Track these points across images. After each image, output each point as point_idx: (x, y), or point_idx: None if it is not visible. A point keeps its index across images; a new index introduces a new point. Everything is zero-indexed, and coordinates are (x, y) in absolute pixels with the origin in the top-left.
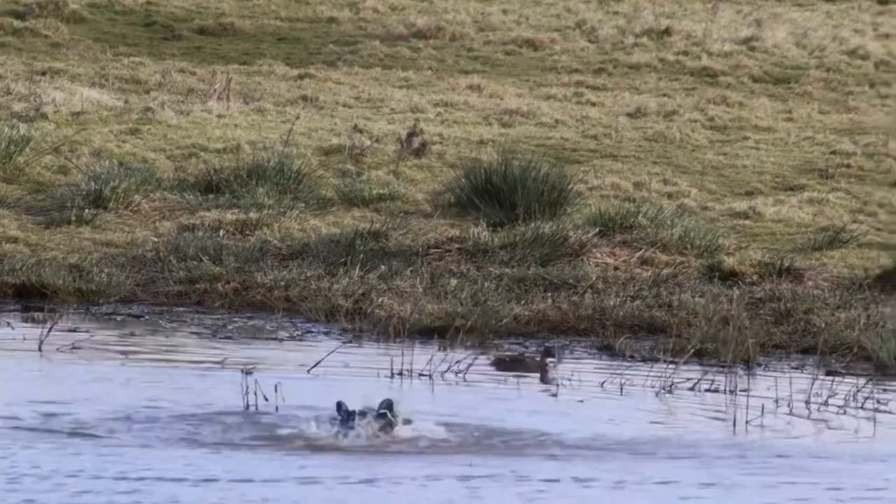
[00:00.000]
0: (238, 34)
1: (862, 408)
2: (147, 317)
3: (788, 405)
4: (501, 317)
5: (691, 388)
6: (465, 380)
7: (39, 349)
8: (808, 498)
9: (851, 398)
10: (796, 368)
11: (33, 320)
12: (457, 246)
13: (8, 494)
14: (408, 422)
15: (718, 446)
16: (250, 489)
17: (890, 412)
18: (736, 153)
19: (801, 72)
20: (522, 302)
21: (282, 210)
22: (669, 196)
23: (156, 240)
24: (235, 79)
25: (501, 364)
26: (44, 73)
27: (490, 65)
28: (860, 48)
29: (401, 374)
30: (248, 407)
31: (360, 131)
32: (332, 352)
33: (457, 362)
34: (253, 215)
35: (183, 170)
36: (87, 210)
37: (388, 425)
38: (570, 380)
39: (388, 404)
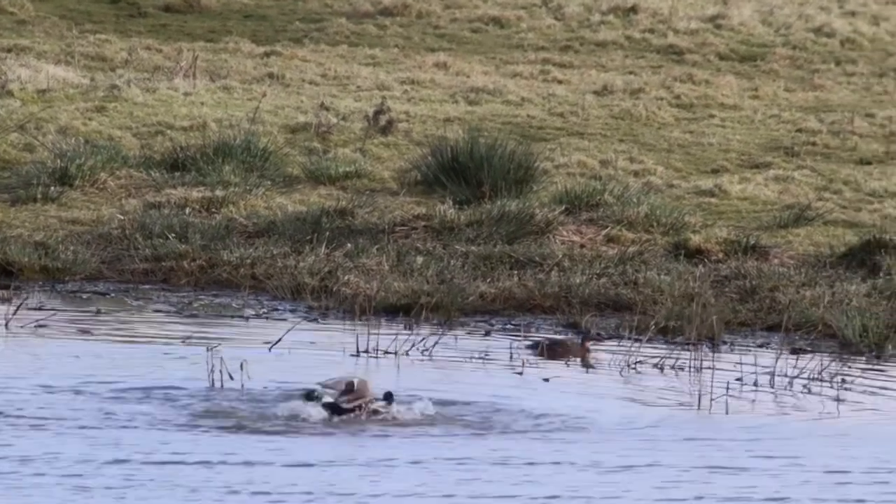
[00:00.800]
0: (204, 11)
1: (827, 385)
2: (113, 294)
3: (754, 382)
4: (467, 294)
5: (656, 366)
6: (430, 358)
7: (6, 327)
8: (777, 474)
9: (816, 375)
10: (761, 346)
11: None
12: (423, 224)
13: None
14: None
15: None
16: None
17: (854, 389)
18: (702, 131)
19: (766, 49)
20: (488, 280)
21: (248, 188)
22: (636, 174)
23: (122, 217)
24: (202, 56)
25: (539, 348)
26: (9, 51)
27: (456, 42)
28: (826, 26)
29: (366, 351)
30: (213, 385)
31: (327, 109)
32: (290, 329)
33: (422, 340)
34: (219, 193)
35: (149, 147)
36: (53, 188)
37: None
38: (535, 358)
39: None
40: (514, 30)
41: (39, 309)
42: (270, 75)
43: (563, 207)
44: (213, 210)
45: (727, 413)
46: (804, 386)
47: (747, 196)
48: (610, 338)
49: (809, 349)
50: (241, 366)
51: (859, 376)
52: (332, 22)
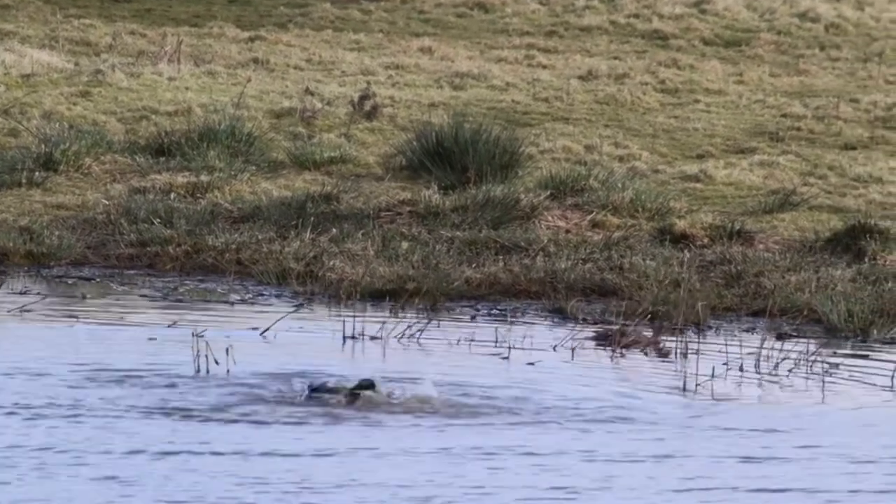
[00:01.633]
0: None
1: (812, 371)
2: (98, 279)
3: (739, 367)
4: (453, 280)
5: (642, 351)
6: (418, 343)
7: None
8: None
9: (802, 361)
10: (747, 331)
11: None
12: (408, 209)
13: None
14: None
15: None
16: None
17: (839, 374)
18: (687, 116)
19: (751, 34)
20: (474, 265)
21: (233, 173)
22: (621, 159)
23: (107, 202)
24: (186, 41)
25: (607, 338)
26: None
27: (441, 27)
28: (810, 11)
29: (353, 337)
30: (198, 370)
31: (312, 94)
32: (283, 317)
33: (408, 325)
34: (204, 178)
35: (134, 132)
36: (37, 173)
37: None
38: (521, 343)
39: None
40: (499, 14)
41: (24, 293)
42: (255, 60)
43: (549, 192)
44: (198, 195)
45: (711, 397)
46: (790, 371)
47: (732, 181)
48: (596, 323)
49: (795, 334)
50: (227, 351)
51: (844, 362)
52: (316, 7)
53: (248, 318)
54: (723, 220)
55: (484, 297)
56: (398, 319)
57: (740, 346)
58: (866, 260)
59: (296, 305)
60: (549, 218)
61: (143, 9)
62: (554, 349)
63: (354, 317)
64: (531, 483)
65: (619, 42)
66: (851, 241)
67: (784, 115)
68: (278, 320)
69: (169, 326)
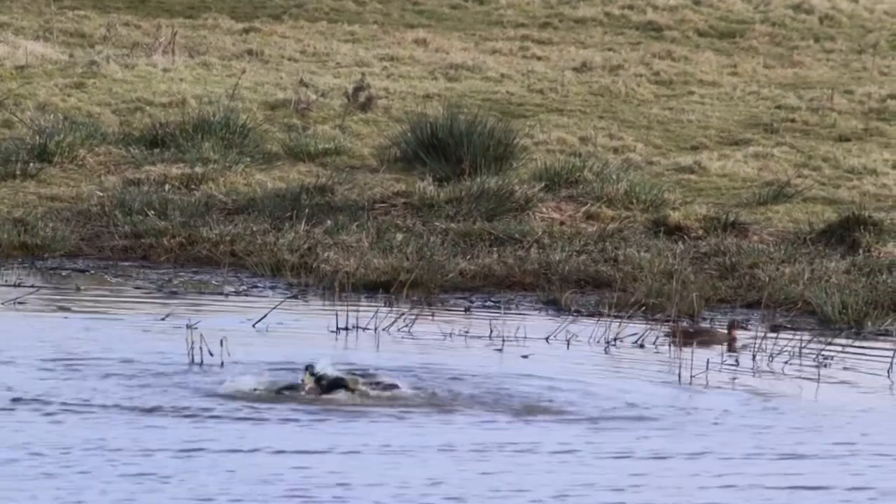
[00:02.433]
0: None
1: (807, 362)
2: (92, 271)
3: (735, 360)
4: (447, 271)
5: (636, 343)
6: (410, 334)
7: None
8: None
9: (797, 352)
10: (741, 323)
11: None
12: (403, 200)
13: None
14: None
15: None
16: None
17: (834, 366)
18: (681, 108)
19: (746, 26)
20: (468, 256)
21: (227, 164)
22: (615, 150)
23: (101, 194)
24: (181, 32)
25: (685, 335)
26: None
27: (436, 19)
28: (805, 2)
29: (346, 328)
30: (192, 362)
31: (306, 85)
32: (275, 307)
33: (402, 316)
34: (198, 170)
35: (128, 124)
36: (31, 164)
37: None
38: (515, 335)
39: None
40: (494, 6)
41: (18, 286)
42: (250, 52)
43: (543, 184)
44: (193, 187)
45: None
46: (785, 363)
47: (727, 173)
48: (590, 314)
49: (789, 326)
50: (222, 342)
51: (838, 353)
52: None
53: (242, 309)
54: (717, 211)
55: (478, 289)
56: (392, 311)
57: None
58: (860, 252)
59: (289, 297)
60: (544, 209)
61: (138, 0)
62: (547, 340)
63: (348, 308)
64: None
65: (613, 33)
66: (846, 233)
67: (778, 107)
68: (268, 312)
69: (163, 318)
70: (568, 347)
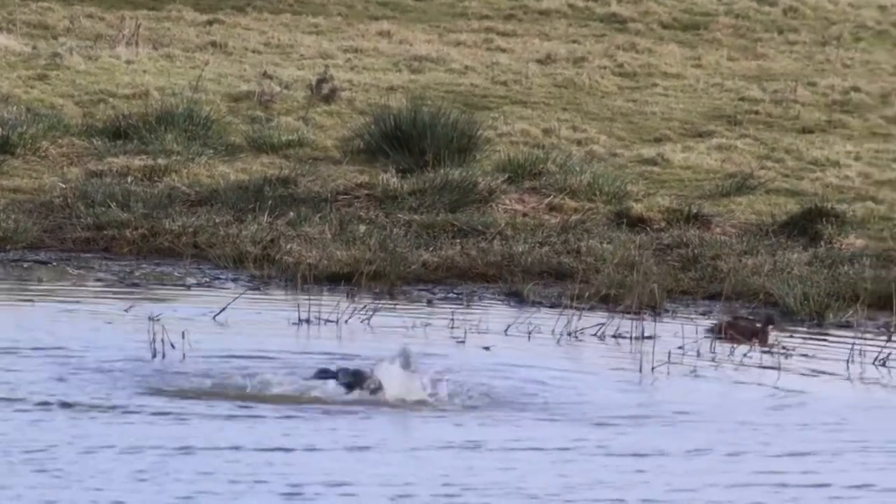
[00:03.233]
0: None
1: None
2: (54, 263)
3: (696, 351)
4: (410, 263)
5: (597, 334)
6: (370, 325)
7: None
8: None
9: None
10: (703, 314)
11: None
12: (365, 192)
13: None
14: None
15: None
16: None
17: (795, 357)
18: (645, 100)
19: (709, 18)
20: (431, 248)
21: (190, 156)
22: (578, 142)
23: (63, 186)
24: (144, 24)
25: (717, 330)
26: None
27: (399, 10)
28: None
29: (308, 320)
30: (154, 354)
31: (270, 77)
32: (235, 300)
33: (362, 308)
34: (161, 161)
35: (91, 116)
36: None
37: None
38: (477, 326)
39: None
40: None
41: None
42: (213, 43)
43: (506, 176)
44: (156, 178)
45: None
46: (745, 354)
47: (690, 165)
48: (552, 306)
49: (751, 317)
50: (183, 335)
51: (800, 345)
52: None
53: (204, 301)
54: (680, 203)
55: (441, 281)
56: (354, 303)
57: (696, 329)
58: (822, 243)
59: (252, 289)
60: (507, 201)
61: None
62: (506, 332)
63: (310, 300)
64: None
65: (577, 26)
66: (808, 225)
67: (742, 99)
68: (228, 305)
69: (126, 310)
70: (529, 339)
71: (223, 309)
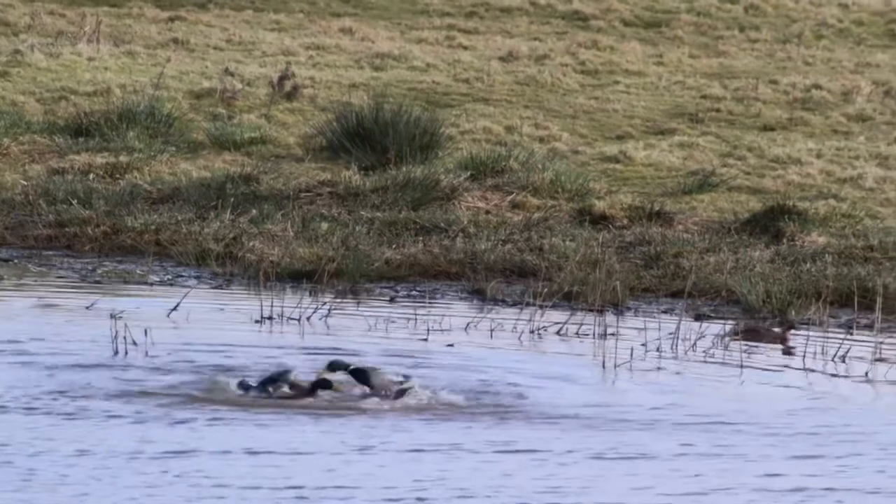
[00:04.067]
0: None
1: (730, 350)
2: (16, 260)
3: (657, 349)
4: (372, 260)
5: (559, 332)
6: (327, 325)
7: None
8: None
9: (719, 341)
10: (665, 312)
11: None
12: (328, 190)
13: None
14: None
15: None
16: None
17: (756, 354)
18: (607, 97)
19: (671, 16)
20: (394, 246)
21: (152, 153)
22: (541, 140)
23: (25, 183)
24: (105, 21)
25: (736, 334)
26: None
27: (362, 8)
28: None
29: (270, 317)
30: (116, 352)
31: (232, 74)
32: (187, 294)
33: (324, 305)
34: (123, 159)
35: (53, 113)
36: None
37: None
38: (440, 324)
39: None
40: None
41: None
42: (175, 40)
43: (469, 173)
44: (118, 176)
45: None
46: (706, 352)
47: (652, 162)
48: (515, 304)
49: (713, 315)
50: (145, 332)
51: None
52: None
53: (166, 299)
54: (642, 201)
55: (403, 279)
56: (316, 300)
57: (659, 327)
58: (784, 241)
59: (214, 286)
60: (469, 199)
61: None
62: (466, 330)
63: (272, 297)
64: None
65: (539, 23)
66: (770, 222)
67: (703, 97)
68: (181, 300)
69: (87, 307)
70: (491, 337)
71: (176, 306)
